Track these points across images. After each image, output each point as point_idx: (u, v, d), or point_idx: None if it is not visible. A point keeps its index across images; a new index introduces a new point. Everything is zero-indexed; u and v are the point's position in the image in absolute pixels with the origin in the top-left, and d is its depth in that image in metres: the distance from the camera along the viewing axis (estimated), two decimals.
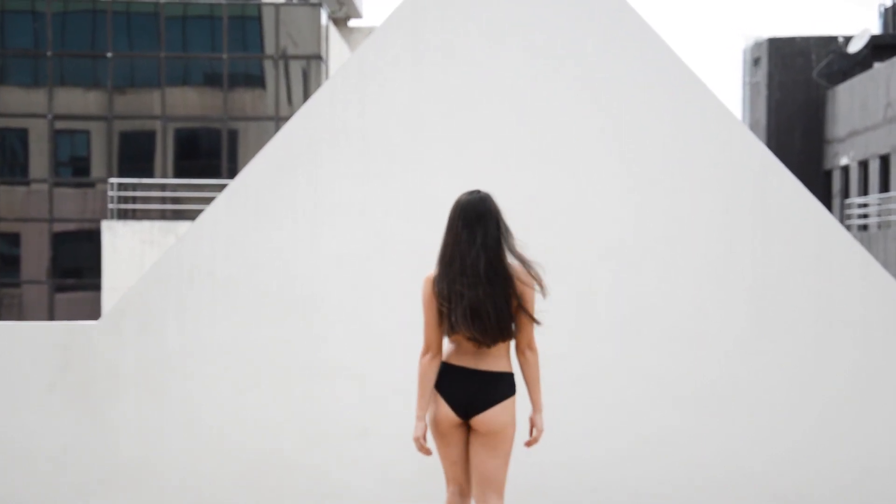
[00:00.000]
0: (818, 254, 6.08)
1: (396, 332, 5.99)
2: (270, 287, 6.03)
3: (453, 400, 4.66)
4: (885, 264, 22.94)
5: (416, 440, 4.68)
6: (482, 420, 4.65)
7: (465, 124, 6.06)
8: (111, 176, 28.44)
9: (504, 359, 4.70)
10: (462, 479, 4.78)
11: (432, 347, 4.66)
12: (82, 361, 6.04)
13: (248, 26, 29.35)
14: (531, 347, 4.73)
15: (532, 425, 4.79)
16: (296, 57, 29.18)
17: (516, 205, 5.98)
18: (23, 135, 29.28)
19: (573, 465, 6.04)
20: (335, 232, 6.04)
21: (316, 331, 6.04)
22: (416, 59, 6.07)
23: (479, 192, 4.75)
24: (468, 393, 4.65)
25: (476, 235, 4.62)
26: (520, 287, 4.64)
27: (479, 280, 4.58)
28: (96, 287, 25.66)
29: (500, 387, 4.66)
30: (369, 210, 6.05)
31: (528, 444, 4.82)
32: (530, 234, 5.98)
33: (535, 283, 4.66)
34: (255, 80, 29.50)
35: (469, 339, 4.62)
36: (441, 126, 6.06)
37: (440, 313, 4.62)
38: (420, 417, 4.68)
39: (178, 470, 6.04)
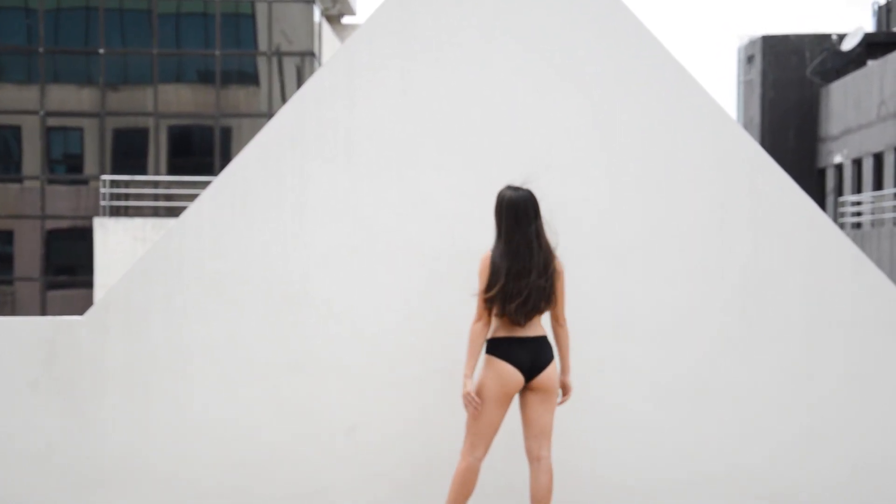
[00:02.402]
0: (809, 252, 6.06)
1: (385, 328, 5.96)
2: (257, 282, 6.00)
3: (520, 363, 5.39)
4: (879, 262, 22.95)
5: (468, 395, 5.38)
6: (542, 378, 5.43)
7: (454, 120, 6.03)
8: (104, 173, 28.40)
9: (541, 326, 5.48)
10: (490, 443, 5.46)
11: (483, 317, 5.41)
12: (67, 357, 6.00)
13: (241, 23, 29.32)
14: (563, 320, 5.56)
15: (562, 386, 5.59)
16: (289, 54, 29.16)
17: None
18: (15, 132, 29.25)
19: (562, 460, 6.01)
20: (322, 227, 6.01)
21: (303, 326, 6.01)
22: (403, 54, 6.04)
23: (520, 188, 5.48)
24: (530, 357, 5.39)
25: (531, 229, 5.41)
26: (559, 270, 5.49)
27: (534, 271, 5.37)
28: (89, 284, 25.64)
29: (547, 349, 5.45)
30: (357, 205, 6.01)
31: (561, 402, 5.60)
32: None
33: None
34: (249, 77, 29.48)
35: (511, 320, 5.38)
36: (429, 121, 6.03)
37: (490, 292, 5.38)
38: (468, 376, 5.41)
39: (165, 466, 6.01)
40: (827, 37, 32.91)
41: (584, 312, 6.02)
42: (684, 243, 6.05)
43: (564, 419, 5.99)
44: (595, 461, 6.03)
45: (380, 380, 5.97)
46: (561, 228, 6.02)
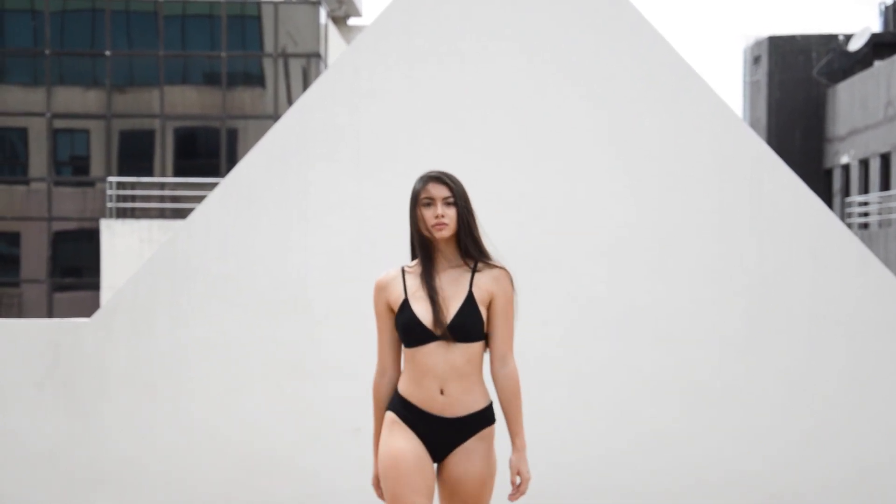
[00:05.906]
0: (814, 249, 6.03)
1: None
2: (262, 285, 5.99)
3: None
4: (886, 263, 22.89)
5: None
6: None
7: (458, 121, 6.02)
8: (110, 175, 28.41)
9: None
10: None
11: None
12: (73, 359, 6.00)
13: (247, 25, 29.33)
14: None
15: None
16: (295, 55, 29.16)
17: (510, 202, 5.94)
18: (22, 134, 29.27)
19: (566, 464, 6.00)
20: (328, 229, 6.00)
21: (308, 329, 6.00)
22: (408, 56, 6.03)
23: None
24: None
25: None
26: None
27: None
28: (95, 286, 25.64)
29: None
30: (362, 207, 6.01)
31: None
32: (524, 232, 5.95)
33: None
34: (255, 79, 29.48)
35: None
36: (434, 123, 6.02)
37: None
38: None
39: (169, 469, 6.00)
40: (833, 37, 32.83)
41: (587, 314, 6.00)
42: (687, 243, 6.03)
43: (566, 420, 5.98)
44: (598, 464, 6.02)
45: None
46: (563, 230, 6.01)
